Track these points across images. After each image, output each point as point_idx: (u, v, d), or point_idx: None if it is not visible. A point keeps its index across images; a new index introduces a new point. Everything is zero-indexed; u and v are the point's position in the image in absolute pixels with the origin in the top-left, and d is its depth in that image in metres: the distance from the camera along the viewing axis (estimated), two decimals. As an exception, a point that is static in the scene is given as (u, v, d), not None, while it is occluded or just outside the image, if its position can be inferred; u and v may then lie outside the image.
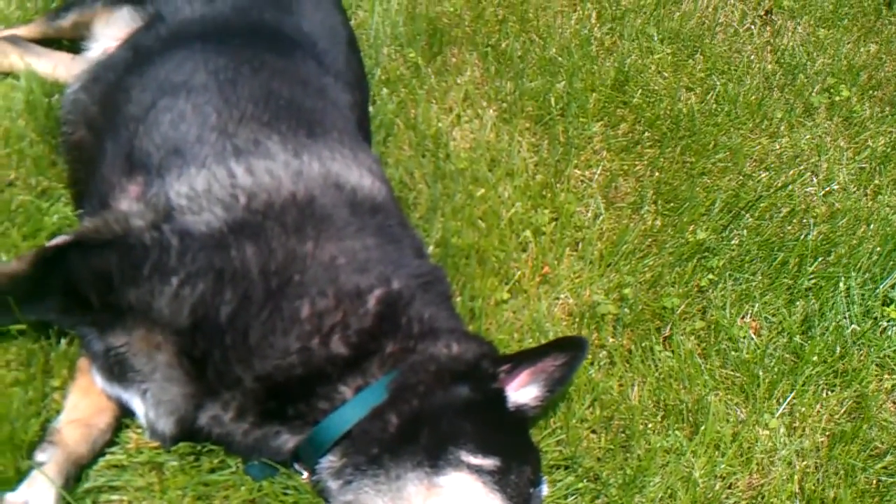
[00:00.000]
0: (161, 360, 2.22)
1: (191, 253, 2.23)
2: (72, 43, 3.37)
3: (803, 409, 2.71)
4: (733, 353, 2.82)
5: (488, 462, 2.11)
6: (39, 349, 2.39)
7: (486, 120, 3.51)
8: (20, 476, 2.14)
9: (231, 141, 2.47)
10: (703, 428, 2.55)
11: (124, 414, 2.34)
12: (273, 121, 2.57)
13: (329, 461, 2.18)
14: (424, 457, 2.09)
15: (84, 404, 2.34)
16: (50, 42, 3.42)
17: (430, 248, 2.90)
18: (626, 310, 2.85)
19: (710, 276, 3.02)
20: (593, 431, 2.55)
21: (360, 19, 3.87)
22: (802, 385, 2.76)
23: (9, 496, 2.08)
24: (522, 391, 2.29)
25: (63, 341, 2.42)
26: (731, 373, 2.78)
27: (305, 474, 2.26)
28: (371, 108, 3.31)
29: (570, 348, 2.31)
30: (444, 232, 2.95)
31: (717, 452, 2.55)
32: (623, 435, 2.55)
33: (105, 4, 3.31)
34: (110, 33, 3.22)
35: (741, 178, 3.47)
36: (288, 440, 2.24)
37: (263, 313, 2.19)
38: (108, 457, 2.30)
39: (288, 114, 2.64)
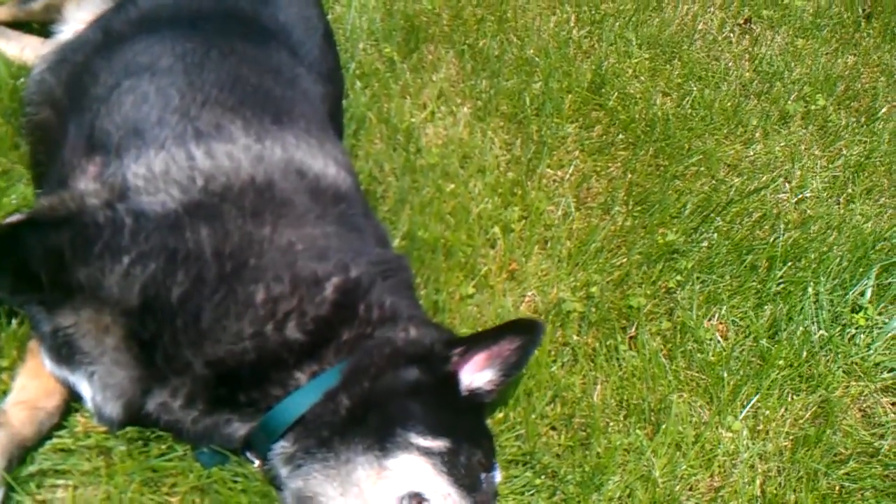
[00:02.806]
0: (109, 343, 2.17)
1: (144, 232, 2.19)
2: (42, 27, 3.32)
3: (767, 412, 2.68)
4: (699, 354, 2.79)
5: (437, 444, 2.07)
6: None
7: (459, 117, 3.48)
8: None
9: (192, 124, 2.43)
10: (664, 427, 2.52)
11: (73, 398, 2.29)
12: (238, 106, 2.53)
13: (281, 447, 2.13)
14: (374, 440, 2.06)
15: (32, 386, 2.28)
16: (21, 26, 3.39)
17: (397, 241, 2.87)
18: (592, 308, 2.81)
19: (679, 277, 2.99)
20: (553, 428, 2.51)
21: (337, 14, 3.85)
22: (767, 388, 2.73)
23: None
24: (477, 375, 2.25)
25: (14, 322, 2.37)
26: (697, 374, 2.75)
27: (257, 462, 2.21)
28: (344, 102, 3.27)
29: (526, 331, 2.27)
30: (411, 225, 2.91)
31: (678, 453, 2.52)
32: (583, 433, 2.51)
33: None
34: (81, 16, 3.18)
35: (714, 182, 3.45)
36: (239, 428, 2.19)
37: (216, 296, 2.14)
38: (54, 440, 2.24)
39: (254, 100, 2.60)
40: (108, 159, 2.38)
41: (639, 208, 3.24)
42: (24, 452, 2.17)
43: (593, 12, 4.22)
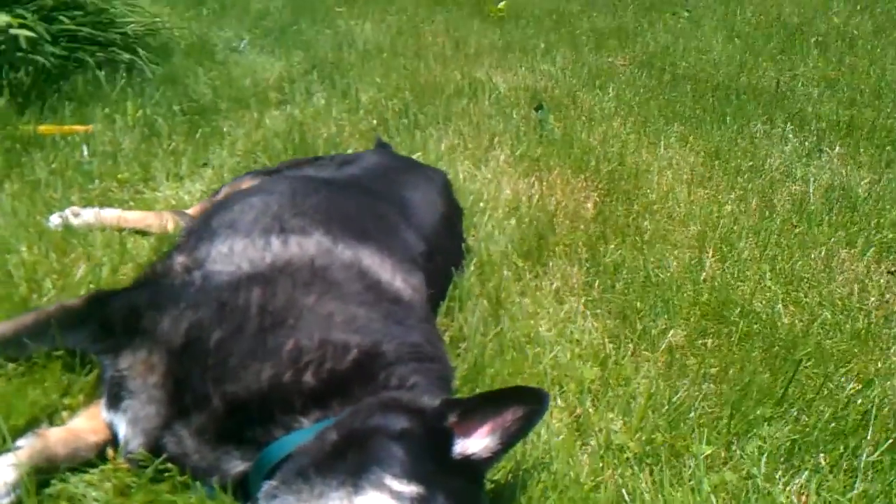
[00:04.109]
0: (150, 381, 2.39)
1: (206, 289, 2.49)
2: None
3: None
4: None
5: (409, 489, 2.02)
6: (66, 375, 2.63)
7: (569, 309, 3.57)
8: (-5, 454, 2.28)
9: (281, 224, 2.79)
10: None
11: (114, 444, 2.45)
12: (327, 222, 2.86)
13: (269, 485, 2.16)
14: (349, 475, 2.05)
15: (82, 421, 2.50)
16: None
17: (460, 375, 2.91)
18: (648, 447, 2.64)
19: (759, 443, 2.75)
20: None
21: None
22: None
23: (-25, 466, 2.23)
24: (473, 441, 2.19)
25: (90, 375, 2.65)
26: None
27: None
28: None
29: (530, 401, 2.20)
30: (480, 362, 2.96)
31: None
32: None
33: (252, 178, 3.93)
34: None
35: (826, 381, 3.20)
36: (238, 465, 2.27)
37: (249, 343, 2.34)
38: (85, 475, 2.38)
39: (346, 224, 2.90)
40: (202, 244, 2.77)
41: (732, 390, 3.07)
42: (50, 467, 2.32)
43: (731, 253, 4.28)
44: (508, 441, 2.21)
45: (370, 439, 2.12)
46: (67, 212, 3.90)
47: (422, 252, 3.20)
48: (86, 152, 4.72)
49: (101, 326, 2.59)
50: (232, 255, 2.64)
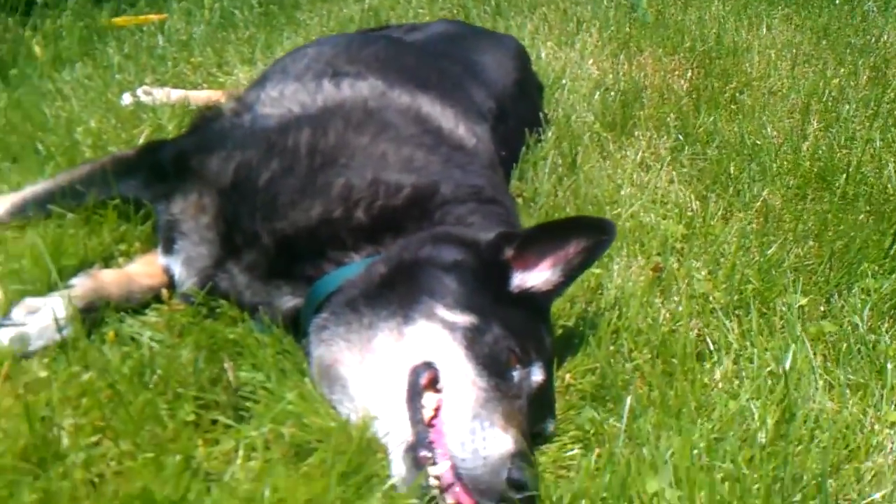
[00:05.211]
0: (202, 222, 2.29)
1: (254, 131, 2.36)
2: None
3: (951, 418, 2.03)
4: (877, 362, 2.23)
5: (462, 319, 1.89)
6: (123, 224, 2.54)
7: (654, 175, 3.31)
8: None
9: (334, 68, 2.62)
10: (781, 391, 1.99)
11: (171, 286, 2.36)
12: (383, 69, 2.68)
13: (319, 318, 2.03)
14: (399, 305, 1.93)
15: (137, 266, 2.41)
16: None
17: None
18: (736, 298, 2.40)
19: (863, 296, 2.48)
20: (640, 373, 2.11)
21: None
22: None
23: (28, 300, 2.16)
24: (534, 274, 2.01)
25: (146, 225, 2.55)
26: (862, 381, 2.18)
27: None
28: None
29: (595, 232, 2.01)
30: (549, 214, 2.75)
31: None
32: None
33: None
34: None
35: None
36: (290, 300, 2.16)
37: (299, 182, 2.20)
38: (142, 316, 2.29)
39: (404, 73, 2.72)
40: (254, 89, 2.63)
41: (834, 244, 2.78)
42: (103, 304, 2.24)
43: (839, 121, 3.92)
44: (571, 274, 2.02)
45: (421, 270, 1.97)
46: (139, 90, 3.83)
47: (490, 108, 3.00)
48: (160, 40, 4.65)
49: (153, 173, 2.49)
50: (282, 98, 2.49)
